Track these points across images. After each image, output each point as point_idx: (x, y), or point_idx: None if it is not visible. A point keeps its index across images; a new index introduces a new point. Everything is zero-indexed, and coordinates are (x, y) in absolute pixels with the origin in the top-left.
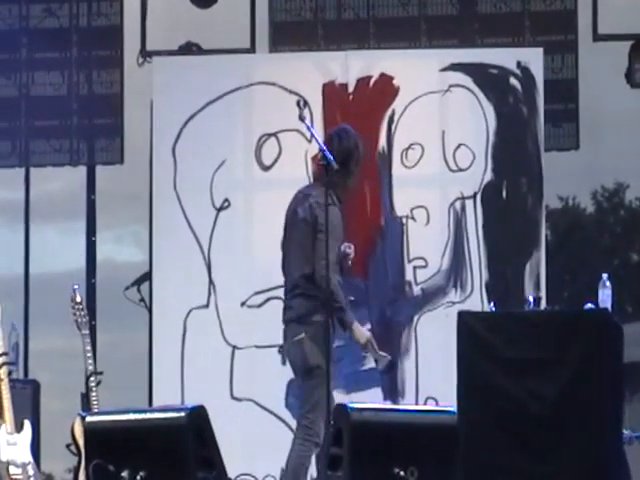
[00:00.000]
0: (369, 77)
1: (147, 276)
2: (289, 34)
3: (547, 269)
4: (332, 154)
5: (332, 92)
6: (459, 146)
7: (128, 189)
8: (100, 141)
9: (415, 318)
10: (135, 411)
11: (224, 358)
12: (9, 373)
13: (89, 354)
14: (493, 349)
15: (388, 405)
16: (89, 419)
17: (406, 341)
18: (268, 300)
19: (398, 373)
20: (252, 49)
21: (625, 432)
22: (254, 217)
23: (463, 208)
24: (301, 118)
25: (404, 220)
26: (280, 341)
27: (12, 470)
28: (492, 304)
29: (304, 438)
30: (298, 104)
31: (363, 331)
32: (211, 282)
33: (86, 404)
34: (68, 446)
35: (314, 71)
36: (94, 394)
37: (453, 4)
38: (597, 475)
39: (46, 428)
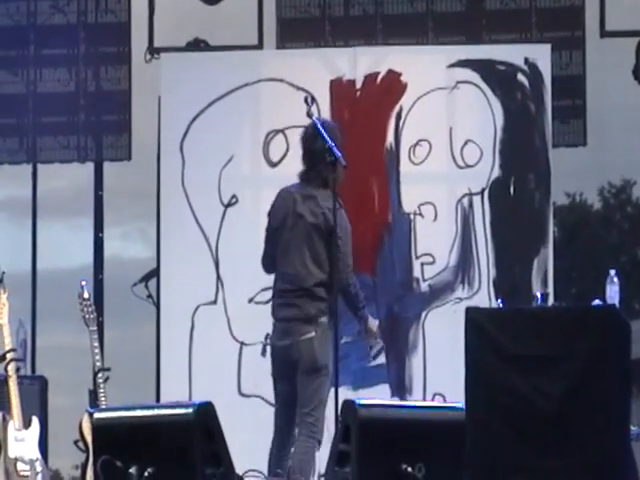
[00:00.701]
0: (377, 73)
1: (155, 272)
2: (296, 30)
3: (555, 265)
4: (314, 151)
5: (340, 88)
6: (467, 142)
7: (136, 186)
8: (108, 138)
9: (423, 314)
10: (143, 407)
11: (232, 354)
12: (17, 369)
13: (97, 350)
14: (500, 345)
15: (396, 401)
16: (97, 415)
17: (414, 337)
18: None
19: (406, 369)
20: (260, 45)
21: (633, 428)
22: (262, 213)
23: (471, 204)
24: (309, 114)
25: (412, 216)
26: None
27: (20, 466)
28: (500, 300)
29: (309, 435)
30: (306, 100)
31: (373, 319)
32: (219, 278)
33: (94, 400)
34: (76, 442)
35: (322, 67)
36: (102, 390)
37: (460, 1)
38: (604, 472)
39: (54, 424)
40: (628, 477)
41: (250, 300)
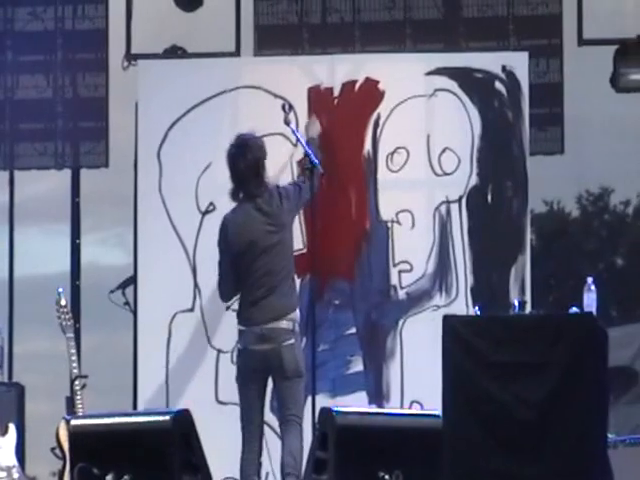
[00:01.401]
0: (354, 81)
1: (132, 280)
2: (274, 38)
3: (532, 273)
4: (245, 168)
5: (317, 96)
6: (444, 150)
7: (113, 192)
8: (85, 144)
9: (400, 322)
10: (120, 415)
11: (209, 362)
12: None
13: (74, 357)
14: (478, 353)
15: (373, 409)
16: (74, 423)
17: (391, 345)
18: None
19: (383, 377)
20: (237, 53)
21: (610, 436)
22: None
23: (448, 212)
24: (286, 122)
25: (389, 224)
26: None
27: None
28: (477, 308)
29: (298, 435)
30: (283, 108)
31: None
32: (196, 286)
33: (71, 407)
34: (53, 449)
35: (299, 75)
36: (79, 397)
37: (438, 8)
38: (581, 479)
39: (31, 431)
40: None
41: (228, 307)
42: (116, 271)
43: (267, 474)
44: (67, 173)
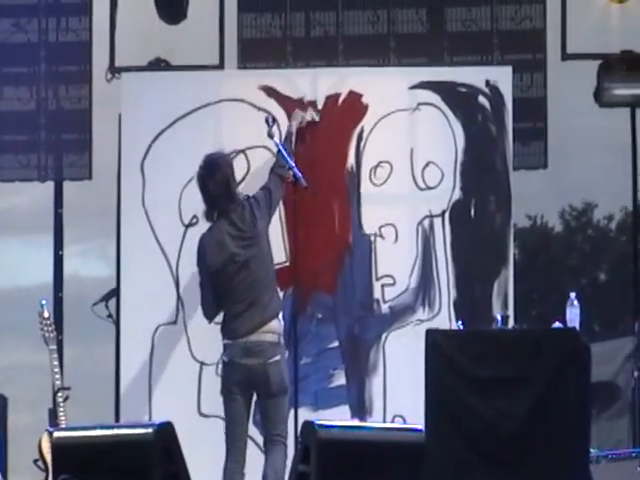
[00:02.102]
0: (338, 94)
1: (115, 292)
2: (258, 51)
3: (515, 288)
4: (214, 188)
5: (301, 109)
6: (428, 164)
7: (96, 205)
8: (68, 157)
9: (383, 336)
10: (102, 427)
11: (192, 374)
12: None
13: (56, 369)
14: (461, 367)
15: (356, 423)
16: (57, 434)
17: (374, 359)
18: None
19: (366, 391)
20: (221, 65)
21: (592, 451)
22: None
23: (431, 226)
24: (269, 135)
25: (372, 238)
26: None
27: None
28: (460, 322)
29: (282, 456)
30: (267, 121)
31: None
32: (179, 298)
33: (53, 419)
34: (35, 461)
35: (283, 88)
36: (61, 409)
37: (422, 22)
38: None
39: (13, 443)
40: None
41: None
42: (99, 283)
43: None
44: (50, 185)
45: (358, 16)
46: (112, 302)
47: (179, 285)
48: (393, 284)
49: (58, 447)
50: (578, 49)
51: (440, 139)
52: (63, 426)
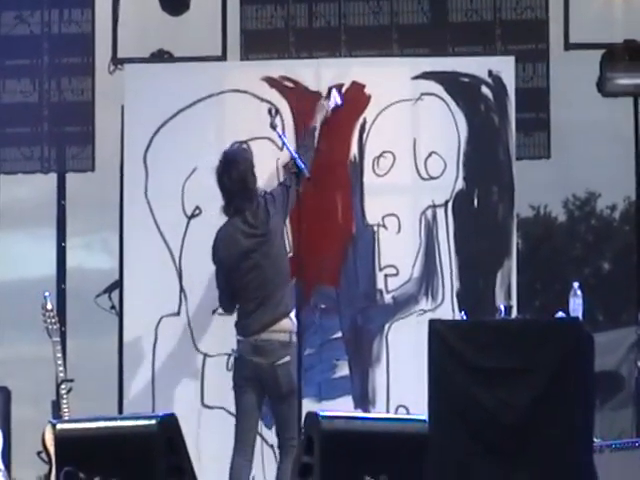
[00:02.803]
0: (341, 85)
1: (118, 284)
2: (260, 42)
3: (518, 278)
4: (230, 185)
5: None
6: (430, 154)
7: (99, 197)
8: (71, 149)
9: (386, 326)
10: (106, 419)
11: (195, 366)
12: None
13: (60, 361)
14: (464, 358)
15: (359, 413)
16: (60, 427)
17: (377, 349)
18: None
19: (369, 381)
20: (223, 57)
21: (596, 441)
22: None
23: (434, 216)
24: (272, 126)
25: (375, 228)
26: None
27: None
28: (463, 313)
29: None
30: (269, 112)
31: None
32: (182, 290)
33: (57, 412)
34: (39, 454)
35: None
36: (65, 402)
37: (425, 13)
38: None
39: (17, 435)
40: None
41: (214, 311)
42: (102, 275)
43: (253, 478)
44: (53, 177)
45: (360, 7)
46: (115, 294)
47: (182, 276)
48: (396, 274)
49: (61, 439)
50: (581, 39)
51: (443, 129)
52: (66, 418)
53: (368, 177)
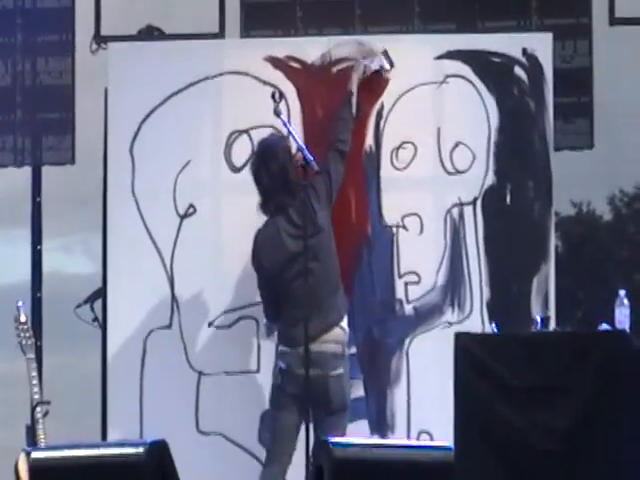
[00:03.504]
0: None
1: (101, 292)
2: (263, 17)
3: (557, 285)
4: (269, 180)
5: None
6: (457, 145)
7: (79, 193)
8: (48, 139)
9: (407, 341)
10: (87, 446)
11: (189, 386)
12: None
13: (35, 381)
14: (495, 376)
15: (375, 440)
16: (35, 455)
17: (396, 367)
18: (239, 320)
19: (387, 403)
20: (221, 34)
21: None
22: (223, 225)
23: (461, 216)
24: (276, 113)
25: (394, 229)
26: (253, 367)
27: None
28: (494, 325)
29: None
30: (273, 97)
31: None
32: (174, 299)
33: (31, 438)
34: None
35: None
36: (41, 426)
37: None
38: None
39: None
40: None
41: (210, 324)
42: (83, 282)
43: None
44: (27, 171)
45: None
46: (98, 304)
47: (174, 284)
48: (418, 282)
49: (37, 469)
50: (628, 12)
51: (471, 116)
52: (42, 445)
53: (386, 171)
